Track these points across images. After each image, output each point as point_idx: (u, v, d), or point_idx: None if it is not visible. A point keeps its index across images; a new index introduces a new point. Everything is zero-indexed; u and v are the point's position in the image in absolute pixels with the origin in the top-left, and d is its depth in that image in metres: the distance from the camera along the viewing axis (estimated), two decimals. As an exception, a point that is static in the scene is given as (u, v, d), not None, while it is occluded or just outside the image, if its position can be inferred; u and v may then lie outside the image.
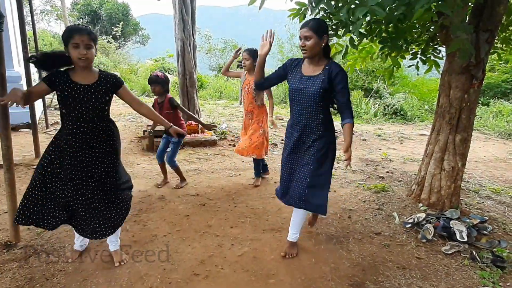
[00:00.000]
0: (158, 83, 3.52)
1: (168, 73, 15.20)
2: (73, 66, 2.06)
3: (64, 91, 2.01)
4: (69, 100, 2.02)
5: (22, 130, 6.04)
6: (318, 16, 3.26)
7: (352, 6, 2.42)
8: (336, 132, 8.30)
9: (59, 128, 2.17)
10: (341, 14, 2.46)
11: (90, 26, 2.05)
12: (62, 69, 2.06)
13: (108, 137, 2.18)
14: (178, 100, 6.98)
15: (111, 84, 2.13)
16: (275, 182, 4.11)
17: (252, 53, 3.71)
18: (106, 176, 2.20)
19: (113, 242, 2.38)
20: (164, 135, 3.79)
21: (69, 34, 1.94)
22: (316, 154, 2.34)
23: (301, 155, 2.42)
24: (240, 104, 4.11)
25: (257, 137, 3.84)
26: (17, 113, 5.84)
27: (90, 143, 2.12)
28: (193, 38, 6.46)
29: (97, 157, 2.15)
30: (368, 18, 2.90)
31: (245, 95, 3.89)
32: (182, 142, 3.84)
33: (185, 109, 3.78)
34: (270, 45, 2.44)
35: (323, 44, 2.24)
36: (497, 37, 3.44)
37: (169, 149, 3.77)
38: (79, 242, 2.43)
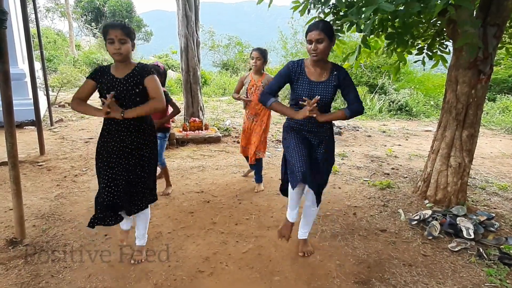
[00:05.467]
0: (159, 74, 3.20)
1: (172, 69, 15.20)
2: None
3: (101, 83, 2.09)
4: (104, 92, 2.07)
5: (26, 127, 6.07)
6: (321, 11, 3.23)
7: (361, 4, 2.38)
8: (341, 129, 8.15)
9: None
10: (352, 15, 2.42)
11: (125, 21, 2.11)
12: (105, 64, 2.16)
13: (137, 135, 2.16)
14: (181, 97, 6.98)
15: (140, 75, 2.09)
16: (279, 179, 4.08)
17: (263, 52, 3.52)
18: (134, 169, 2.18)
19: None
20: None
21: (104, 30, 2.01)
22: (325, 156, 2.33)
23: (314, 151, 2.34)
24: (245, 108, 3.84)
25: (259, 135, 3.65)
26: (22, 110, 5.87)
27: (120, 136, 2.14)
28: (197, 34, 6.43)
29: (127, 152, 2.16)
30: (378, 16, 2.85)
31: (251, 96, 3.62)
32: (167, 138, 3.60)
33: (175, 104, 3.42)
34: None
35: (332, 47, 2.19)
36: (505, 32, 3.39)
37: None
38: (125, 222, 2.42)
